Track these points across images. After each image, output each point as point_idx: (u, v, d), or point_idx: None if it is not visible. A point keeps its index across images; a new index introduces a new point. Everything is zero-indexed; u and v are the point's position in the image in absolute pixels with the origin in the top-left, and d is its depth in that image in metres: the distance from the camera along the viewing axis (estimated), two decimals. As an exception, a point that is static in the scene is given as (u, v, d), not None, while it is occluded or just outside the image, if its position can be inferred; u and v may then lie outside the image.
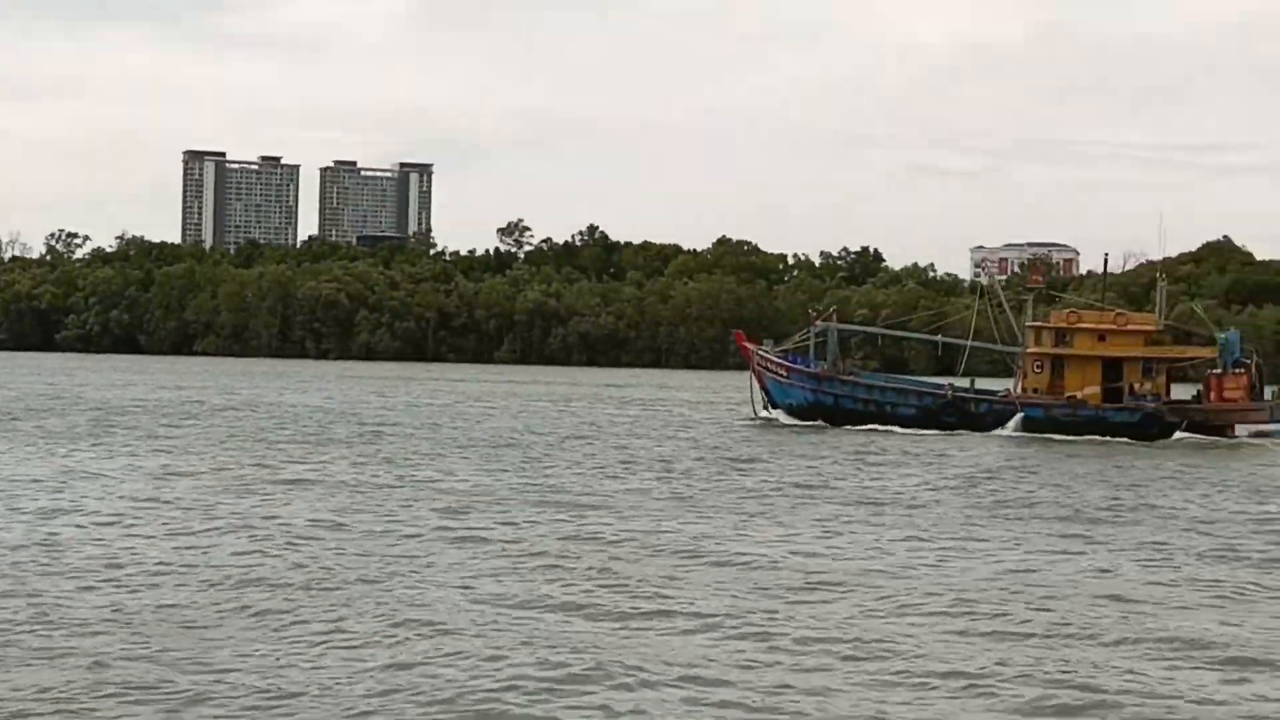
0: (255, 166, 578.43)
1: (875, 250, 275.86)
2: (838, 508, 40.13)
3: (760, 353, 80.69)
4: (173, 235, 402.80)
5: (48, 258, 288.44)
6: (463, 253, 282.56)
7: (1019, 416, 73.09)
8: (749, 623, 23.44)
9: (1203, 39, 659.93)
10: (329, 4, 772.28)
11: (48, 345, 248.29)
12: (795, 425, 75.46)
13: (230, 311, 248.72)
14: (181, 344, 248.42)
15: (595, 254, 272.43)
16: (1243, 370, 73.72)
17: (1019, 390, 76.26)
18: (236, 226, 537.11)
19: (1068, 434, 71.38)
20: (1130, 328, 75.50)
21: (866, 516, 38.37)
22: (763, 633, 22.83)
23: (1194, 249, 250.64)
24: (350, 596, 25.03)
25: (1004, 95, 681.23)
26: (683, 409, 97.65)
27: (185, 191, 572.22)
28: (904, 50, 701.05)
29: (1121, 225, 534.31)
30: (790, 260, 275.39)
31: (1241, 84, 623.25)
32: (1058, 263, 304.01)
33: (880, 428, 73.89)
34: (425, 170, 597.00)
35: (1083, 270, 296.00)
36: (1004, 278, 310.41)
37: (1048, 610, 25.19)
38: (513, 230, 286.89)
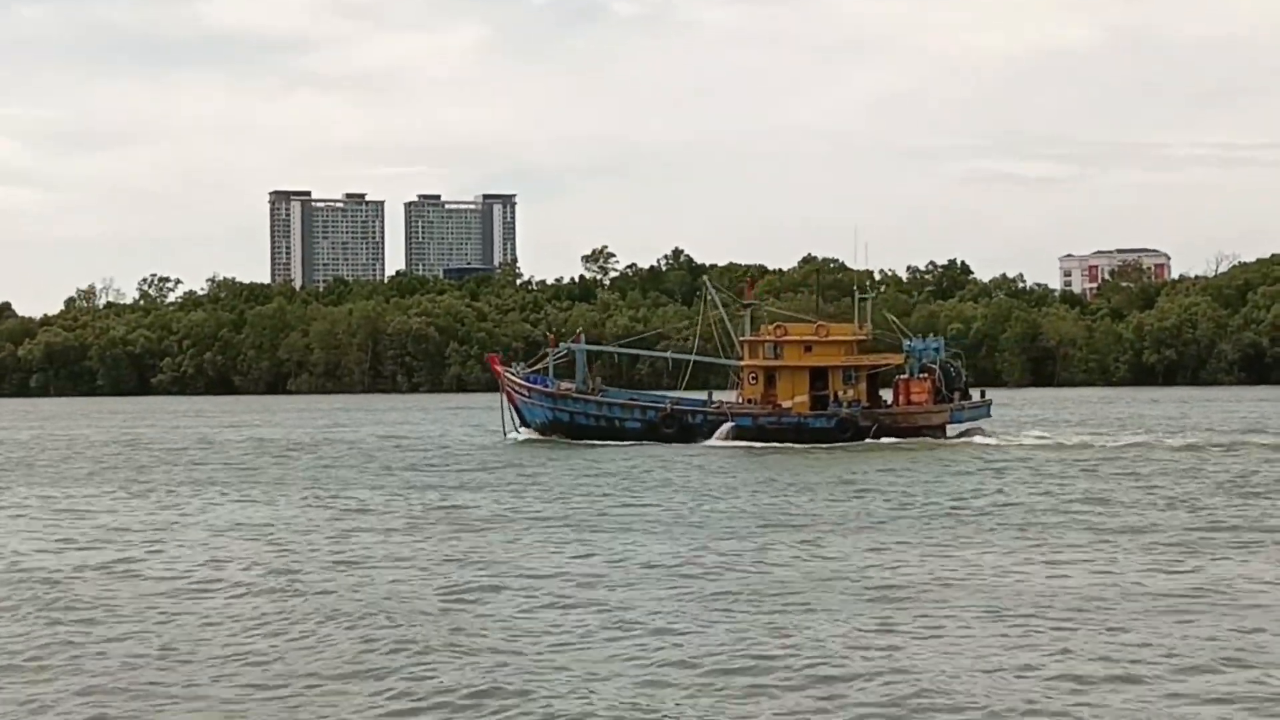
0: (340, 204, 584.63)
1: (963, 262, 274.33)
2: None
3: (508, 374, 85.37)
4: (262, 275, 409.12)
5: (141, 303, 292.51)
6: (548, 281, 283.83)
7: (729, 425, 77.47)
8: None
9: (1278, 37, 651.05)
10: (405, 40, 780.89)
11: (143, 389, 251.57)
12: (536, 440, 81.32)
13: (322, 349, 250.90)
14: (275, 383, 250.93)
15: (680, 277, 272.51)
16: (927, 375, 78.19)
17: (740, 401, 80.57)
18: (324, 264, 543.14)
19: (774, 440, 75.69)
20: (832, 338, 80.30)
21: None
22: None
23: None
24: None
25: (1081, 100, 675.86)
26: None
27: (273, 231, 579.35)
28: (976, 58, 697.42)
29: (1212, 227, 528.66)
30: (877, 276, 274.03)
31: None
32: (1149, 268, 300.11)
33: (611, 442, 77.98)
34: (508, 201, 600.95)
35: (1174, 274, 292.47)
36: (1095, 286, 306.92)
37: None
38: (597, 257, 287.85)
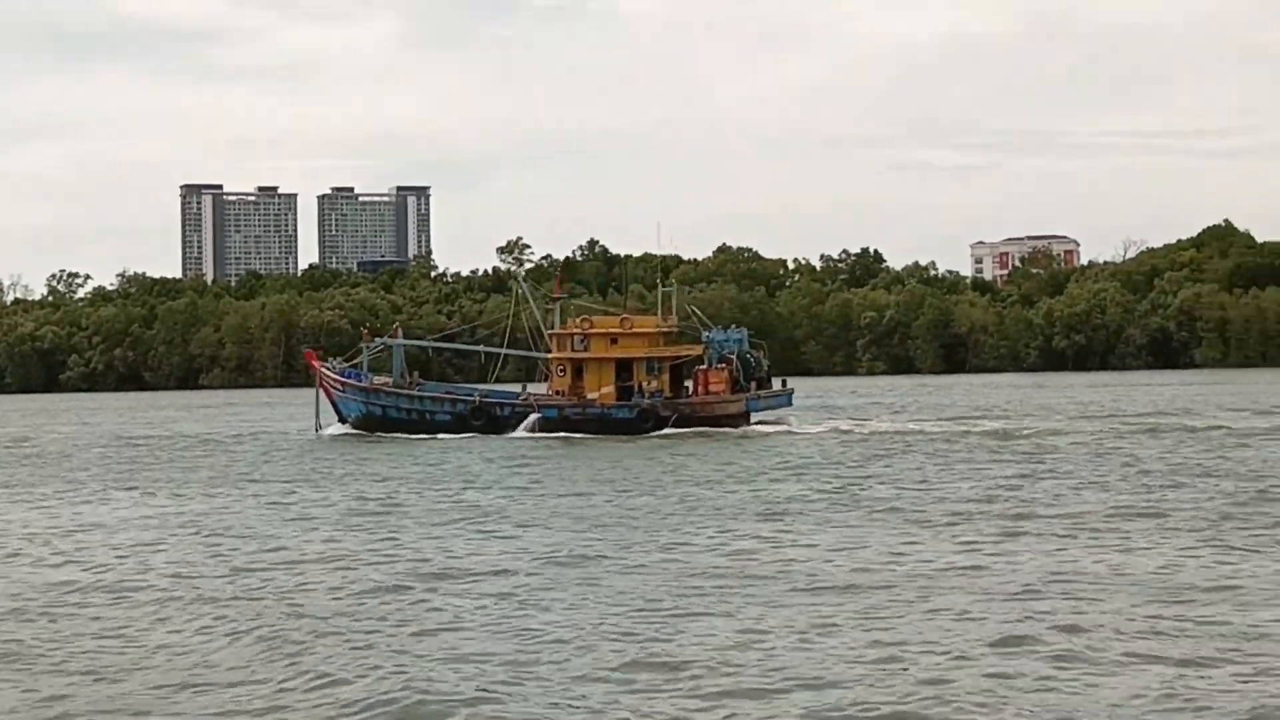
0: (253, 197, 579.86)
1: (875, 251, 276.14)
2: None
3: (324, 369, 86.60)
4: (173, 270, 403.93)
5: (49, 298, 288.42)
6: (464, 274, 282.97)
7: (535, 417, 79.40)
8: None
9: (1188, 26, 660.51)
10: (318, 31, 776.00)
11: (52, 386, 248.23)
12: (350, 435, 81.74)
13: (234, 344, 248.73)
14: (187, 378, 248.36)
15: (596, 268, 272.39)
16: (724, 365, 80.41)
17: (549, 392, 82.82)
18: (236, 258, 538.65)
19: (578, 431, 78.01)
20: (636, 330, 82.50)
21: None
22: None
23: (1194, 234, 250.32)
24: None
25: (993, 88, 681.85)
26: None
27: (184, 225, 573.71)
28: (890, 47, 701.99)
29: (1121, 213, 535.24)
30: (790, 265, 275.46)
31: (1231, 69, 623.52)
32: (1059, 254, 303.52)
33: (423, 436, 79.26)
34: (423, 193, 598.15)
35: (1083, 261, 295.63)
36: (1005, 273, 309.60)
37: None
38: (512, 248, 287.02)
